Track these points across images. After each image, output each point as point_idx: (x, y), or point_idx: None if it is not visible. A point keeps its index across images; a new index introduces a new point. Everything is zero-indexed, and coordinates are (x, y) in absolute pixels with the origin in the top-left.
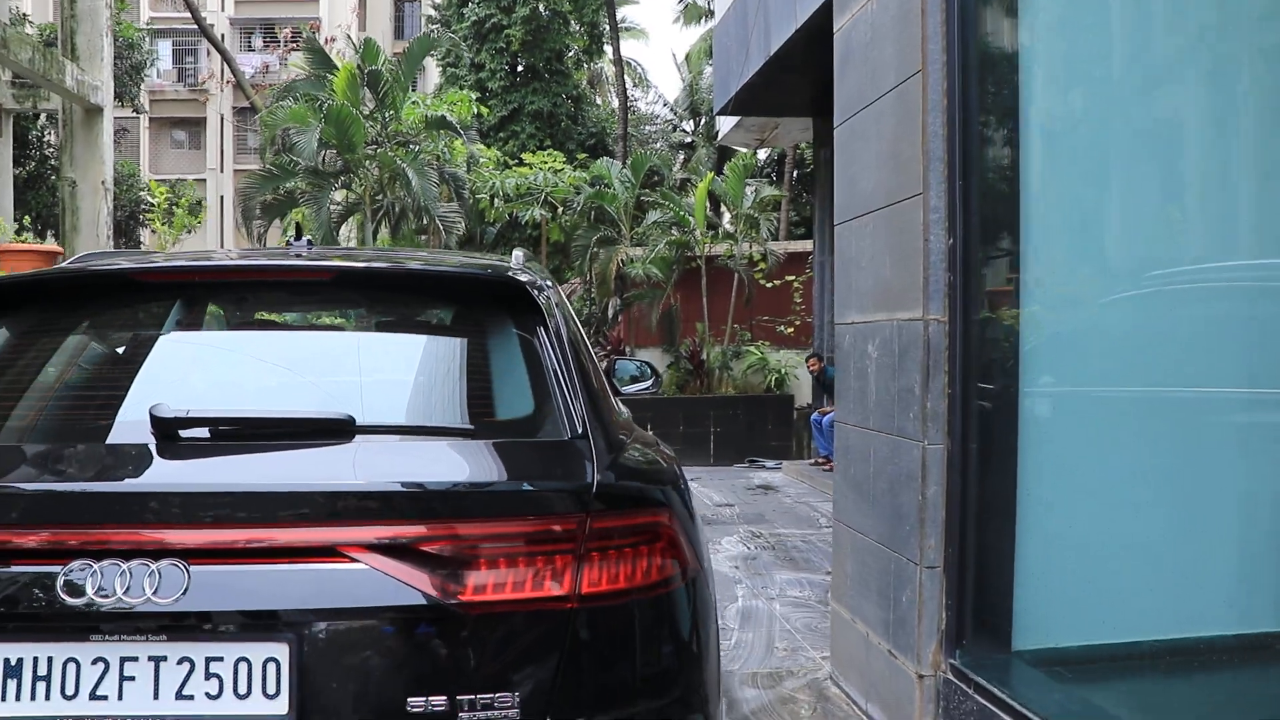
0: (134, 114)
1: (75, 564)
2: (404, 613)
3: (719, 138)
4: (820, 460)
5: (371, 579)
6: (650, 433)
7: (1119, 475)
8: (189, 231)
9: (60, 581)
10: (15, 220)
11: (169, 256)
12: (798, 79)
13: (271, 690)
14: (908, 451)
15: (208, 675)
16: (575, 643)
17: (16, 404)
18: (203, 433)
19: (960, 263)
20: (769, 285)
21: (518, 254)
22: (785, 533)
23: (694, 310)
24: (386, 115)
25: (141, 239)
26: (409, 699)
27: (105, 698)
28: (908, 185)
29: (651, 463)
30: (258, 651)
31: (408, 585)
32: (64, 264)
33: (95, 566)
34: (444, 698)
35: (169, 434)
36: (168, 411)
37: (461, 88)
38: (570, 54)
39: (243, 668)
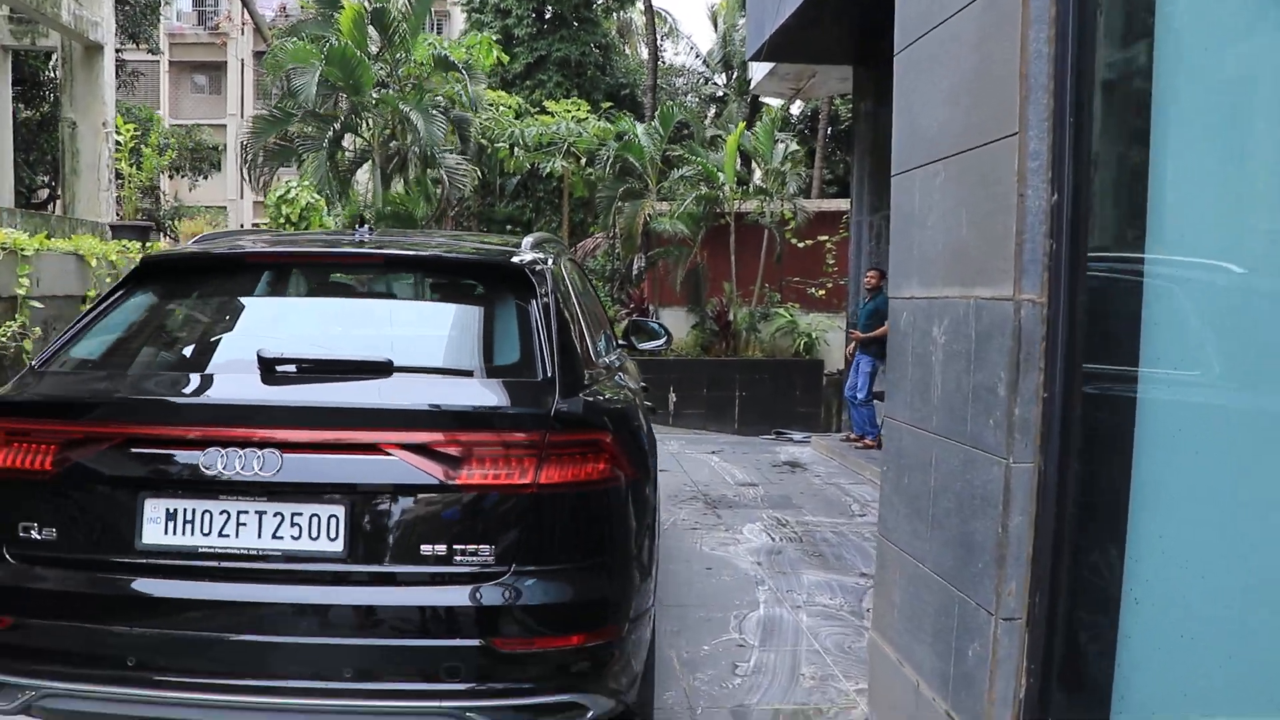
0: (151, 56)
1: (211, 450)
2: (420, 489)
3: (751, 85)
4: (853, 437)
5: (400, 466)
6: (634, 384)
7: (1269, 507)
8: (204, 177)
9: (200, 461)
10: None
11: (267, 241)
12: (838, 20)
13: (333, 535)
14: (985, 468)
15: (292, 524)
16: (535, 516)
17: (165, 346)
18: (291, 368)
19: (1067, 226)
20: (800, 245)
21: (529, 239)
22: (814, 521)
23: (721, 269)
24: (397, 56)
25: (158, 183)
26: (421, 545)
27: (228, 536)
28: (997, 123)
29: (602, 400)
30: (324, 510)
31: (424, 471)
32: (188, 244)
33: (223, 452)
34: (444, 546)
35: (269, 368)
36: (269, 353)
37: (486, 34)
38: (599, 1)
39: (315, 520)
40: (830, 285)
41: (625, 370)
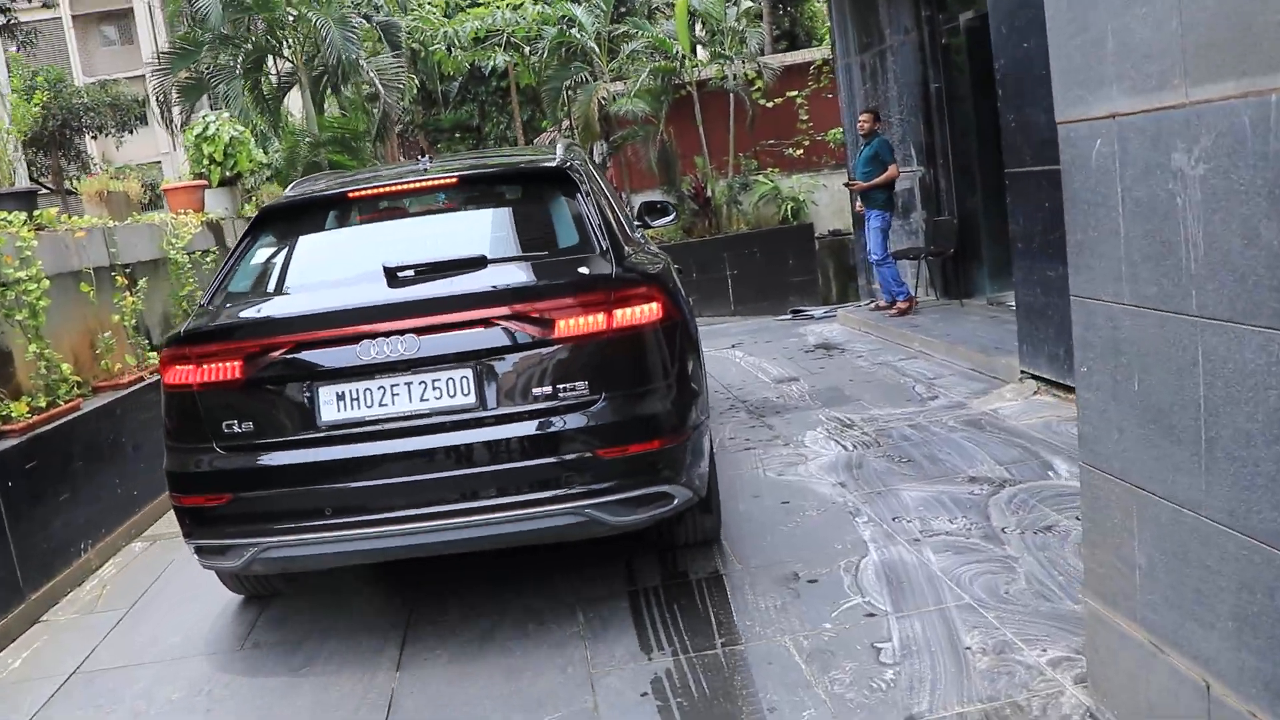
0: (46, 10)
1: (363, 342)
2: (526, 346)
3: None
4: (882, 305)
5: (507, 332)
6: (661, 252)
7: None
8: (129, 132)
9: (356, 350)
10: None
11: (354, 180)
12: None
13: (466, 392)
14: None
15: (433, 388)
16: (612, 354)
17: (299, 270)
18: (410, 273)
19: None
20: (770, 105)
21: (560, 143)
22: (881, 415)
23: (691, 144)
24: None
25: (83, 147)
26: (533, 389)
27: (386, 405)
28: None
29: (645, 263)
30: (457, 373)
31: (525, 333)
32: (289, 191)
33: (373, 341)
34: (549, 387)
35: (393, 275)
36: (392, 264)
37: None
38: None
39: (450, 383)
40: (807, 143)
41: (650, 242)
